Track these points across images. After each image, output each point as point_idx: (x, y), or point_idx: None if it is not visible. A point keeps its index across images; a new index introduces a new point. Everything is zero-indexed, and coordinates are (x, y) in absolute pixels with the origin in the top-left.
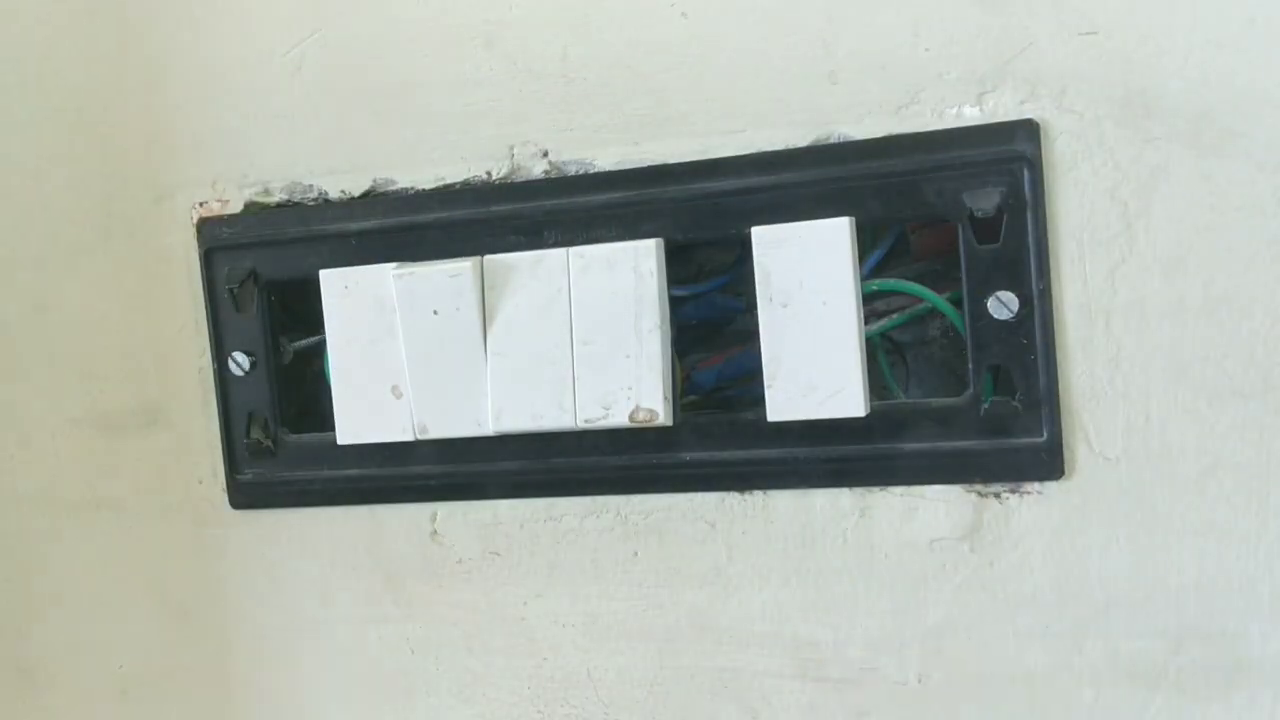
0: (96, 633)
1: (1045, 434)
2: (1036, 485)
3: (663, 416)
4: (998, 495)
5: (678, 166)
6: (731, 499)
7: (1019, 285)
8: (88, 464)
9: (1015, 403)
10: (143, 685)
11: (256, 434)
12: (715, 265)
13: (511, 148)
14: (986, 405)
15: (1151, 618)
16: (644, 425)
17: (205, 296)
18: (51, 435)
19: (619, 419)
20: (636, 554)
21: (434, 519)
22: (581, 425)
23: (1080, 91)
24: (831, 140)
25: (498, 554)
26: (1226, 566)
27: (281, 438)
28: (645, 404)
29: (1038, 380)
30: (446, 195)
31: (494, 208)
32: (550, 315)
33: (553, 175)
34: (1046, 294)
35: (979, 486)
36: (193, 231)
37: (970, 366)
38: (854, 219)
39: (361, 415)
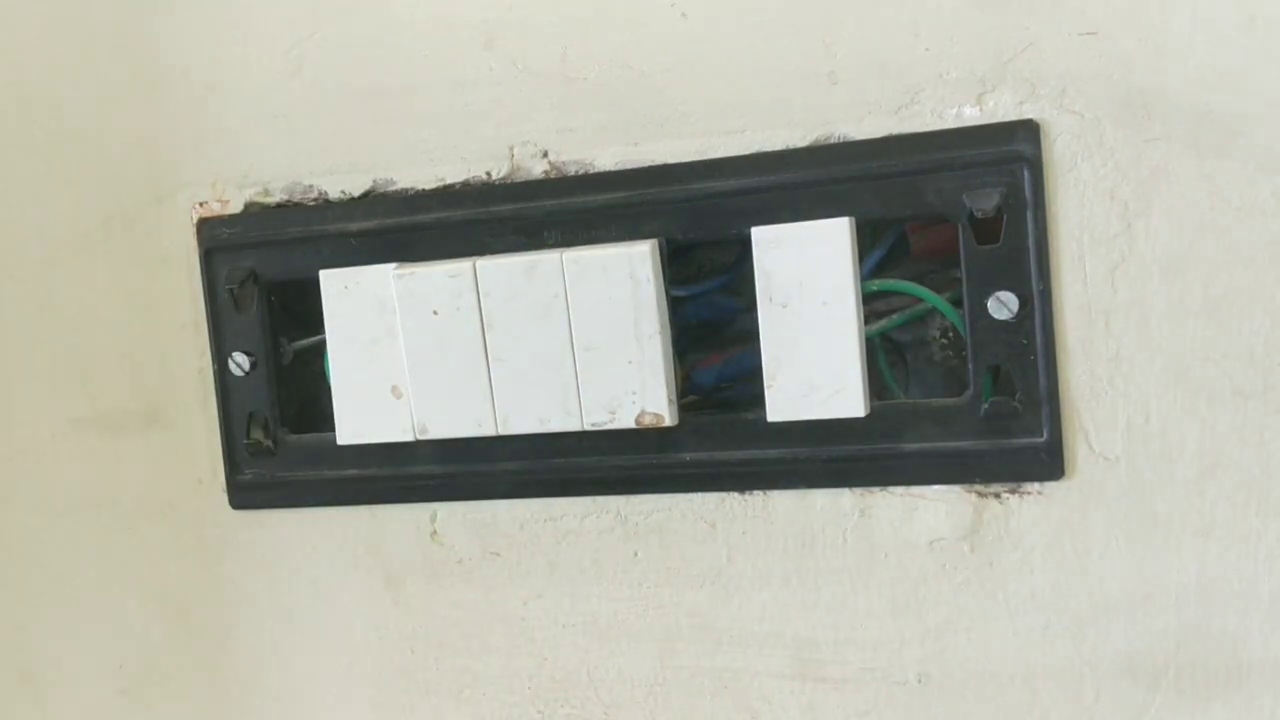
0: (96, 633)
1: (1045, 434)
2: (1036, 485)
3: (669, 419)
4: (998, 495)
5: (678, 166)
6: (732, 499)
7: (1019, 285)
8: (88, 464)
9: (1015, 403)
10: (143, 685)
11: (256, 434)
12: (715, 265)
13: (511, 148)
14: (986, 405)
15: (1151, 618)
16: (650, 428)
17: (205, 296)
18: (51, 435)
19: (625, 422)
20: (636, 554)
21: (434, 519)
22: (588, 428)
23: (1080, 91)
24: (831, 140)
25: (498, 554)
26: (1226, 566)
27: (281, 438)
28: (651, 408)
29: (1038, 380)
30: (446, 195)
31: (494, 208)
32: (549, 319)
33: (553, 175)
34: (1046, 294)
35: (979, 486)
36: (193, 231)
37: (970, 366)
38: (854, 219)
39: (361, 415)
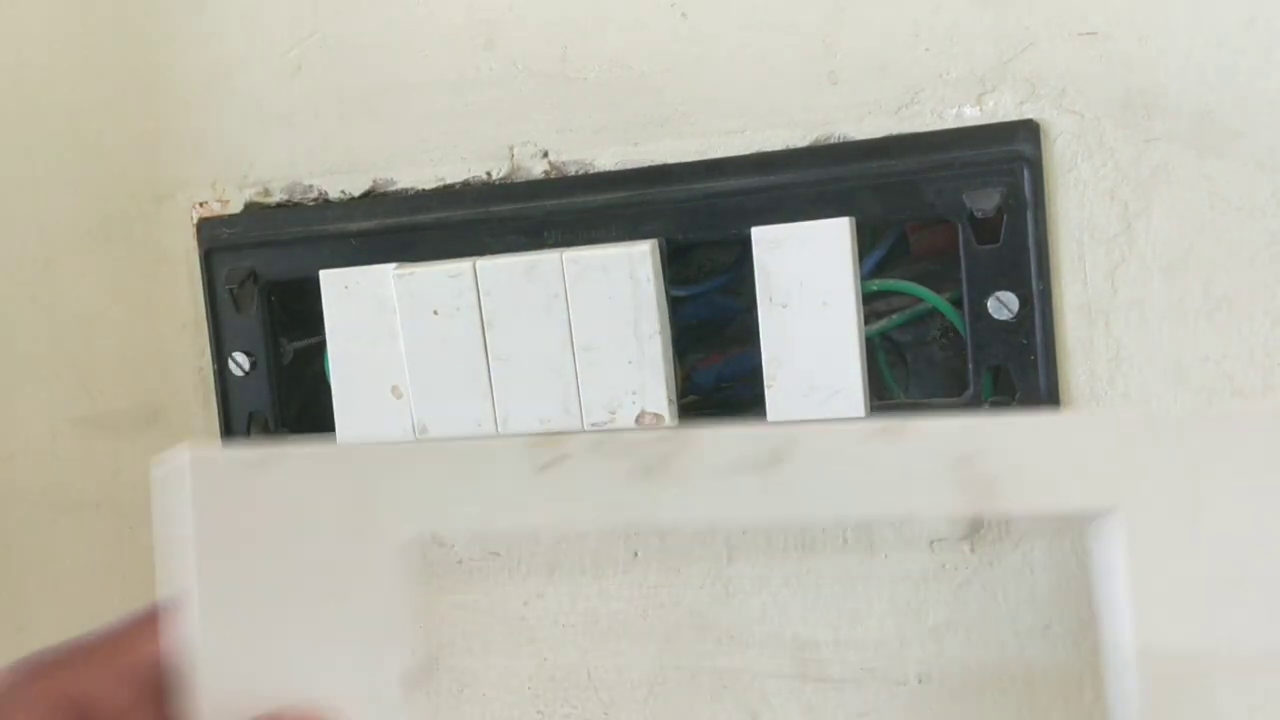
0: None
1: None
2: None
3: (669, 419)
4: None
5: (678, 166)
6: None
7: (1019, 285)
8: (88, 464)
9: (1015, 403)
10: None
11: (256, 434)
12: (715, 265)
13: (511, 148)
14: (986, 405)
15: None
16: (650, 428)
17: (205, 296)
18: (51, 435)
19: (625, 422)
20: (637, 554)
21: None
22: (588, 429)
23: (1080, 91)
24: (831, 140)
25: (497, 554)
26: None
27: (282, 438)
28: (651, 408)
29: (1038, 380)
30: (446, 195)
31: (494, 208)
32: (549, 319)
33: (553, 175)
34: (1046, 294)
35: None
36: (193, 231)
37: (970, 366)
38: (854, 219)
39: (361, 415)
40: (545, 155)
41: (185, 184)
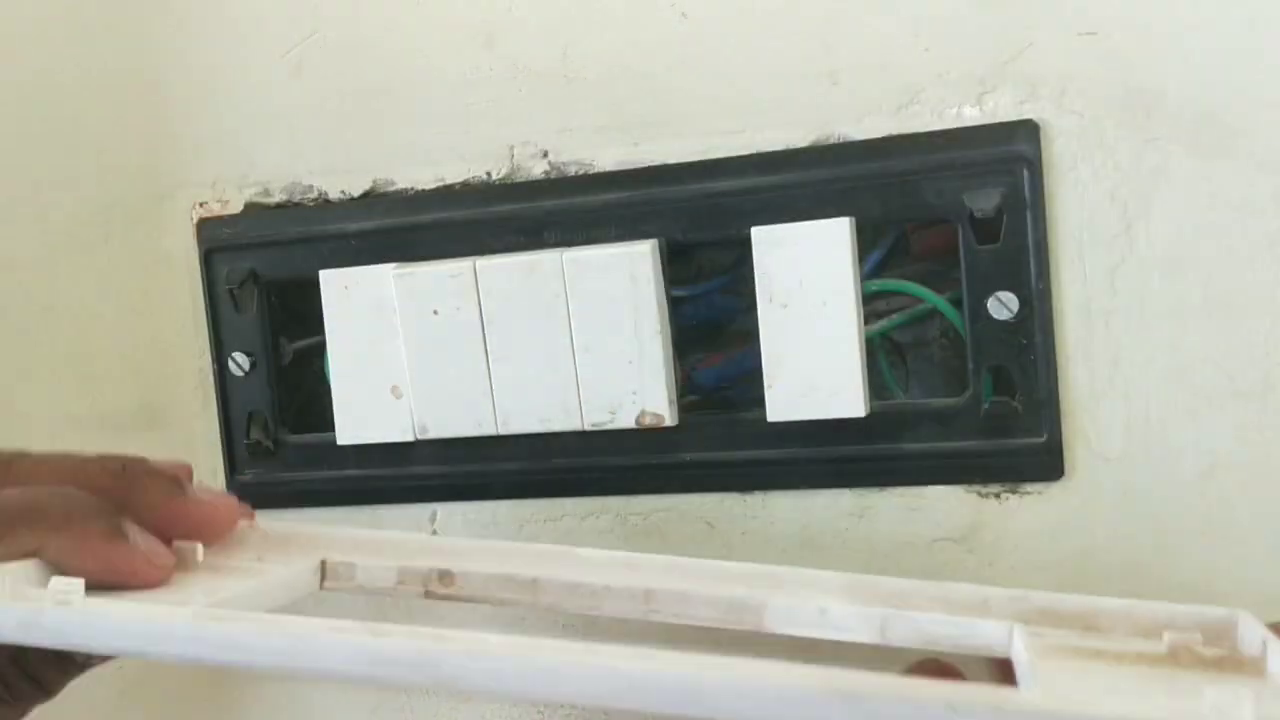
0: None
1: (1045, 434)
2: (1036, 485)
3: (669, 419)
4: (997, 495)
5: (678, 166)
6: (731, 499)
7: (1019, 285)
8: None
9: (1015, 403)
10: (143, 685)
11: (257, 434)
12: (715, 265)
13: (511, 148)
14: (986, 406)
15: None
16: (650, 428)
17: (205, 297)
18: (51, 435)
19: (625, 422)
20: None
21: (434, 519)
22: (589, 428)
23: (1080, 91)
24: (831, 140)
25: None
26: (1226, 567)
27: (282, 438)
28: (651, 408)
29: (1038, 380)
30: (446, 195)
31: (494, 208)
32: (549, 319)
33: (553, 175)
34: (1046, 294)
35: (979, 487)
36: (193, 231)
37: (970, 367)
38: (854, 219)
39: (361, 415)
40: (545, 155)
41: (185, 184)
